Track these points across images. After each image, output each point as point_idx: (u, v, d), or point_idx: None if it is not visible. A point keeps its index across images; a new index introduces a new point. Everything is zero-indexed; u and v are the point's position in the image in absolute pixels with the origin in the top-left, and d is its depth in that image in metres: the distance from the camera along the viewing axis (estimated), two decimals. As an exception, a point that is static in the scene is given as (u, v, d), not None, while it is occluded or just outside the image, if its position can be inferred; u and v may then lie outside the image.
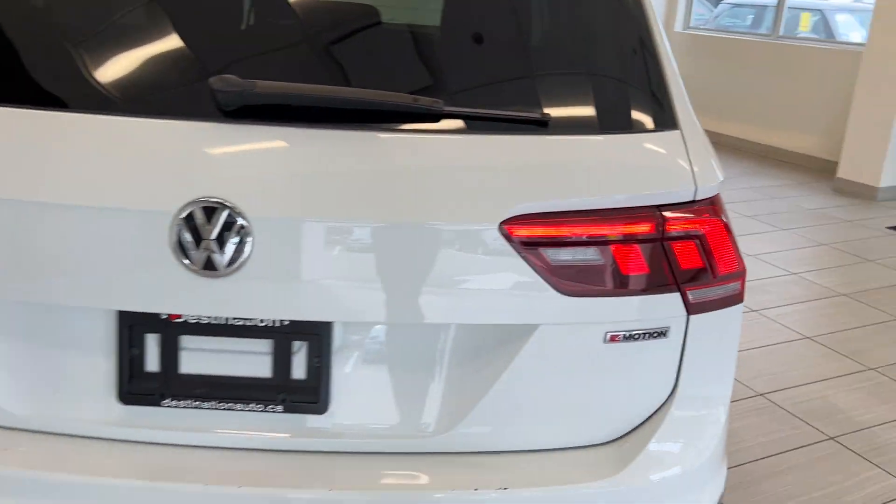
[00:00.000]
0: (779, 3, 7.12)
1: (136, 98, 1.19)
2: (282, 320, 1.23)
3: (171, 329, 1.24)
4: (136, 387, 1.26)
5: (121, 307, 1.20)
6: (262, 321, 1.23)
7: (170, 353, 1.25)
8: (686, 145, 1.27)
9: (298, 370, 1.26)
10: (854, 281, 4.09)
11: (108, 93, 1.20)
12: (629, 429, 1.31)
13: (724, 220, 1.28)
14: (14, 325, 1.24)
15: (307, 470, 1.24)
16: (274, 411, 1.26)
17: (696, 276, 1.25)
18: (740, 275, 1.30)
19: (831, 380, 3.04)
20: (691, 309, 1.25)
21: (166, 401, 1.26)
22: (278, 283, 1.16)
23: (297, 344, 1.25)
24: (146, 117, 1.17)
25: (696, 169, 1.25)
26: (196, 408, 1.26)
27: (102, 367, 1.25)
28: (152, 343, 1.25)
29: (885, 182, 5.64)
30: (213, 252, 1.13)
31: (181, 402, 1.26)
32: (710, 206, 1.27)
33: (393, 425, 1.27)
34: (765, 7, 8.33)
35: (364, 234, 1.15)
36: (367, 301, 1.18)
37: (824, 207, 5.45)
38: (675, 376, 1.30)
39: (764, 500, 2.30)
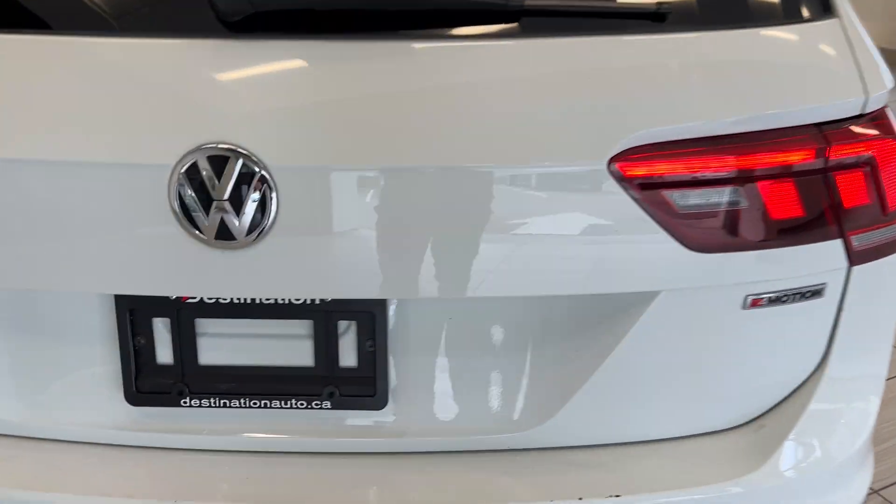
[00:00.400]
0: None
1: (114, 12, 0.90)
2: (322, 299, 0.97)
3: (184, 311, 0.99)
4: (147, 383, 1.01)
5: (116, 290, 0.94)
6: (297, 297, 0.98)
7: (185, 341, 1.00)
8: (849, 39, 0.95)
9: (347, 356, 1.00)
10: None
11: (77, 6, 0.90)
12: (763, 411, 1.05)
13: None
14: None
15: (367, 477, 1.01)
16: (321, 408, 1.01)
17: (862, 215, 0.95)
18: None
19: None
20: (854, 258, 0.96)
21: (186, 399, 1.02)
22: (314, 254, 0.89)
23: (343, 324, 0.99)
24: (126, 37, 0.88)
25: (863, 71, 0.93)
26: (224, 406, 1.02)
27: (103, 361, 1.01)
28: (162, 329, 1.00)
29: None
30: (227, 215, 0.86)
31: (204, 399, 1.02)
32: (882, 122, 0.95)
33: (472, 418, 1.02)
34: None
35: (426, 182, 0.86)
36: (433, 271, 0.90)
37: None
38: (825, 345, 1.02)
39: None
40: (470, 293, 0.92)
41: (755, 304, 0.95)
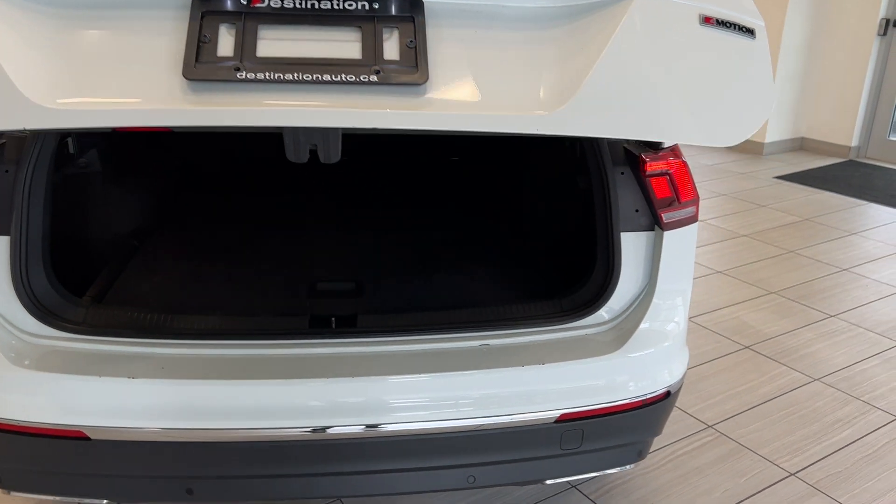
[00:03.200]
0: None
1: None
2: (370, 4, 1.18)
3: (249, 19, 1.17)
4: (206, 65, 1.15)
5: None
6: (348, 4, 1.17)
7: (246, 40, 1.16)
8: None
9: (391, 52, 1.19)
10: (751, 223, 4.74)
11: None
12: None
13: None
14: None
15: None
16: (368, 82, 1.16)
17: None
18: None
19: (742, 303, 3.63)
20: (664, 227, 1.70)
21: (242, 73, 1.13)
22: None
23: (387, 30, 1.19)
24: None
25: None
26: (277, 81, 1.13)
27: (168, 50, 1.16)
28: (226, 32, 1.16)
29: (769, 138, 6.40)
30: None
31: (259, 73, 1.12)
32: (675, 151, 1.71)
33: (501, 98, 1.21)
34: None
35: None
36: None
37: (721, 163, 6.14)
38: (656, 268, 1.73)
39: (701, 396, 2.83)
40: None
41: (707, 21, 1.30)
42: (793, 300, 3.66)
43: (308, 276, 2.03)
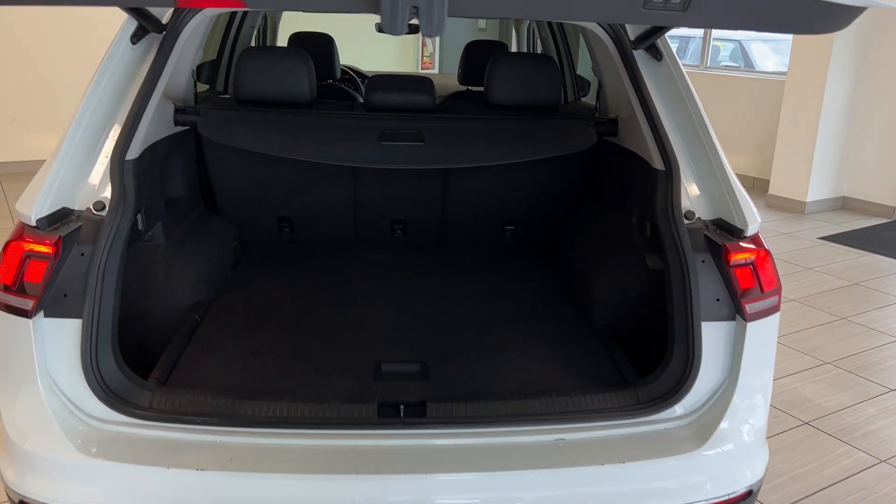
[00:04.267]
0: (705, 35, 7.81)
1: None
2: None
3: None
4: None
5: None
6: None
7: None
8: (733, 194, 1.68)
9: None
10: (800, 287, 4.64)
11: None
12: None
13: None
14: None
15: None
16: None
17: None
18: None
19: (797, 374, 3.52)
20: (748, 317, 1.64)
21: None
22: None
23: None
24: None
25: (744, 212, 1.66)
26: None
27: None
28: None
29: (811, 197, 6.31)
30: None
31: None
32: (757, 240, 1.66)
33: None
34: (688, 39, 9.11)
35: None
36: None
37: (762, 222, 6.04)
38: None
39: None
40: None
41: None
42: (849, 371, 3.54)
43: (373, 354, 1.99)
